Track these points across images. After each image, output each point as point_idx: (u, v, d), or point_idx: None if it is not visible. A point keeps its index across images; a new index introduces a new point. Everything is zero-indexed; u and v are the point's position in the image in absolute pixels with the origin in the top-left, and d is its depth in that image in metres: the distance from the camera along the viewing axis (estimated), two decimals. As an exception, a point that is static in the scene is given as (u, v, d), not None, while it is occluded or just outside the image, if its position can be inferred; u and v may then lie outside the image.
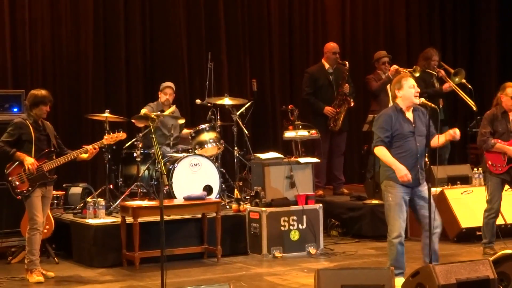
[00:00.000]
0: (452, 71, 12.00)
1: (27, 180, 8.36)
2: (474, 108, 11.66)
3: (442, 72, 11.86)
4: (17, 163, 8.39)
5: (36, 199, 8.40)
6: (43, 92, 8.57)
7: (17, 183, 8.37)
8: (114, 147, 10.12)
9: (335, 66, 11.62)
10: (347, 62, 11.50)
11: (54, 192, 10.00)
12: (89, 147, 8.62)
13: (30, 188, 8.37)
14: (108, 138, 8.86)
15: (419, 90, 7.77)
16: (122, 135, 8.98)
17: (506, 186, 9.32)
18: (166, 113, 10.55)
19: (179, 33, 12.48)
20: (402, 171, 7.61)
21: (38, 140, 8.45)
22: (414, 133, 7.71)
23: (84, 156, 8.64)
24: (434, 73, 11.72)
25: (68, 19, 11.73)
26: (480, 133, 9.28)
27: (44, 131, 8.54)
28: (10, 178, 8.39)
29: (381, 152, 7.74)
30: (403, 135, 7.69)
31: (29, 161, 8.33)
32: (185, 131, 10.90)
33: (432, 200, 7.57)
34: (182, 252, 9.36)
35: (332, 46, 11.72)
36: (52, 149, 8.55)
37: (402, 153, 7.69)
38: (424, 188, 7.75)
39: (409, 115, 7.77)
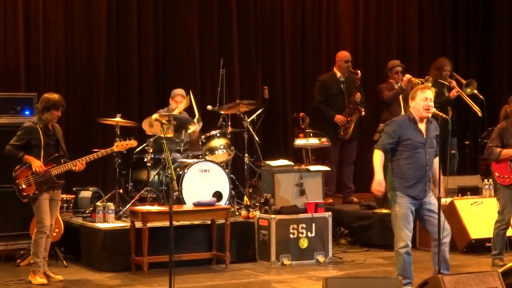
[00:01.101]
0: (463, 81, 11.98)
1: (34, 184, 8.40)
2: (479, 114, 11.63)
3: (454, 82, 11.84)
4: (25, 166, 8.43)
5: (43, 202, 8.43)
6: (55, 96, 8.57)
7: (24, 186, 8.41)
8: (124, 152, 10.14)
9: (346, 75, 11.62)
10: (359, 71, 11.50)
11: (64, 196, 10.04)
12: (99, 153, 8.67)
13: (36, 192, 8.40)
14: (119, 145, 8.89)
15: (431, 105, 7.65)
16: (133, 143, 9.02)
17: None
18: (181, 106, 10.53)
19: (191, 39, 12.51)
20: (378, 186, 7.63)
21: (47, 145, 8.48)
22: (425, 145, 7.69)
23: (79, 166, 8.61)
24: (446, 83, 11.71)
25: (82, 23, 11.78)
26: (486, 147, 9.28)
27: (53, 135, 8.56)
28: (17, 181, 8.44)
29: (376, 156, 7.70)
30: (414, 146, 7.65)
31: (37, 164, 8.36)
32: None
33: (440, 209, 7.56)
34: (191, 258, 9.36)
35: (344, 54, 11.71)
36: (61, 153, 8.57)
37: (411, 164, 7.66)
38: (431, 199, 7.73)
39: (422, 126, 7.73)
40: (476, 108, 11.62)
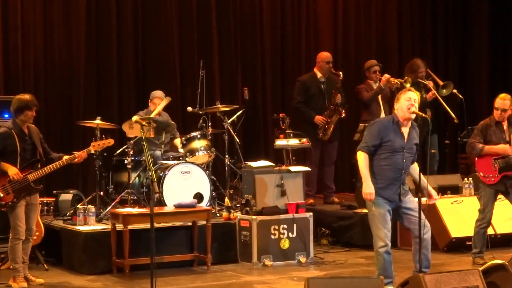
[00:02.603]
0: (441, 82, 12.01)
1: (12, 191, 8.25)
2: (456, 121, 11.65)
3: (431, 83, 11.86)
4: (1, 173, 8.26)
5: (20, 209, 8.31)
6: (27, 96, 8.45)
7: (1, 194, 8.25)
8: (105, 154, 10.11)
9: (327, 76, 11.62)
10: (341, 73, 11.45)
11: (45, 199, 10.00)
12: (76, 154, 8.54)
13: (15, 200, 8.26)
14: (95, 145, 8.78)
15: (414, 104, 7.65)
16: (109, 142, 8.92)
17: (498, 196, 9.34)
18: (160, 106, 10.53)
19: (171, 40, 12.49)
20: (369, 189, 7.63)
21: (23, 151, 8.32)
22: (404, 149, 7.70)
23: (76, 160, 8.56)
24: (426, 83, 11.73)
25: (61, 26, 11.74)
26: (468, 143, 9.32)
27: (29, 139, 8.40)
28: None
29: (361, 158, 7.72)
30: (393, 148, 7.66)
31: (13, 171, 8.21)
32: (177, 141, 10.89)
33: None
34: (172, 259, 9.35)
35: (325, 55, 11.70)
36: (38, 158, 8.44)
37: (388, 165, 7.68)
38: (408, 198, 7.77)
39: (405, 130, 7.73)
40: (452, 114, 11.61)
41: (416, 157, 7.89)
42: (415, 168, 7.86)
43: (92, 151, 8.80)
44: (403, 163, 7.69)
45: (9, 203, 8.27)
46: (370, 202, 7.72)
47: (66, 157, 8.51)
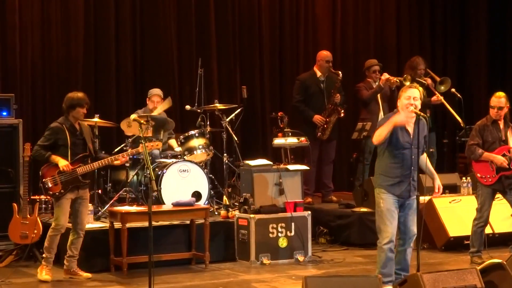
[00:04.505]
0: (438, 79, 12.03)
1: (60, 183, 8.54)
2: (462, 125, 11.67)
3: (429, 81, 11.89)
4: (52, 165, 8.56)
5: (65, 202, 8.58)
6: (79, 94, 8.74)
7: (50, 184, 8.54)
8: (103, 152, 10.10)
9: (327, 75, 11.61)
10: (340, 72, 11.43)
11: (43, 197, 9.99)
12: (123, 154, 8.89)
13: (62, 191, 8.55)
14: (144, 147, 8.88)
15: (413, 103, 7.62)
16: (158, 144, 9.22)
17: (496, 195, 9.34)
18: (161, 107, 10.55)
19: (169, 39, 12.48)
20: (400, 117, 7.59)
21: (73, 145, 8.62)
22: (412, 145, 7.68)
23: (117, 162, 8.92)
24: (424, 81, 11.73)
25: (59, 23, 11.73)
26: (467, 145, 9.31)
27: (80, 135, 8.71)
28: (44, 179, 8.57)
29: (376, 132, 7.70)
30: (400, 145, 7.66)
31: (63, 163, 8.50)
32: (172, 141, 10.88)
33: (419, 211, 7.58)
34: (170, 258, 9.35)
35: (325, 54, 11.68)
36: (87, 153, 8.71)
37: (396, 163, 7.68)
38: (412, 198, 7.75)
39: (409, 126, 7.72)
40: (459, 119, 11.63)
41: (424, 148, 7.86)
42: (422, 158, 7.84)
43: (140, 151, 8.93)
44: (412, 160, 7.67)
45: (57, 193, 8.55)
46: (379, 198, 7.72)
47: (113, 157, 8.88)
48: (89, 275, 8.78)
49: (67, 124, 8.63)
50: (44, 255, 8.71)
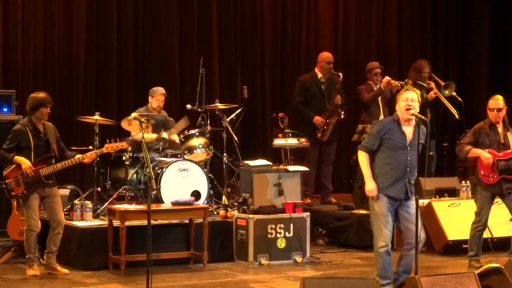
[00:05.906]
0: (442, 83, 12.03)
1: (23, 184, 8.55)
2: (457, 116, 11.65)
3: (433, 84, 11.89)
4: (14, 166, 8.58)
5: (33, 202, 8.62)
6: (41, 94, 8.72)
7: (13, 185, 8.57)
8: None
9: (328, 76, 11.60)
10: (341, 74, 11.44)
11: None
12: (87, 154, 8.78)
13: (25, 192, 8.58)
14: (109, 147, 8.92)
15: (412, 105, 7.62)
16: (123, 145, 9.09)
17: (496, 200, 9.34)
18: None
19: (171, 38, 12.48)
20: (371, 186, 7.66)
21: (36, 147, 8.63)
22: (408, 147, 7.68)
23: (86, 160, 8.85)
24: (425, 85, 11.73)
25: (61, 21, 11.73)
26: (458, 142, 9.34)
27: (44, 136, 8.69)
28: (7, 180, 8.60)
29: (361, 157, 7.75)
30: (395, 146, 7.64)
31: (26, 164, 8.52)
32: (174, 136, 10.89)
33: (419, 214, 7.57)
34: (169, 257, 9.35)
35: (326, 55, 11.68)
36: (51, 154, 8.68)
37: (391, 164, 7.67)
38: (411, 202, 7.72)
39: (407, 129, 7.69)
40: (453, 111, 11.65)
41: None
42: None
43: (105, 152, 8.91)
44: (408, 162, 7.66)
45: (19, 194, 8.59)
46: (373, 201, 7.71)
47: (78, 156, 8.79)
48: (66, 271, 8.81)
49: (30, 126, 8.63)
50: (26, 257, 8.77)
